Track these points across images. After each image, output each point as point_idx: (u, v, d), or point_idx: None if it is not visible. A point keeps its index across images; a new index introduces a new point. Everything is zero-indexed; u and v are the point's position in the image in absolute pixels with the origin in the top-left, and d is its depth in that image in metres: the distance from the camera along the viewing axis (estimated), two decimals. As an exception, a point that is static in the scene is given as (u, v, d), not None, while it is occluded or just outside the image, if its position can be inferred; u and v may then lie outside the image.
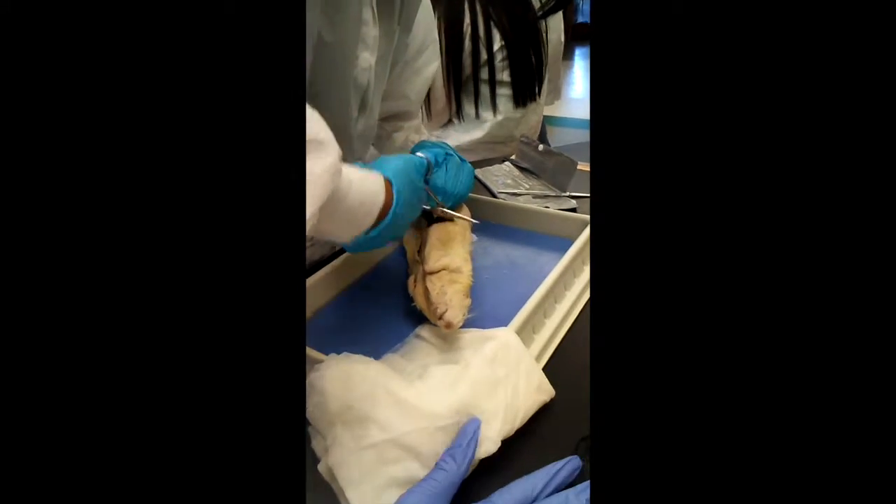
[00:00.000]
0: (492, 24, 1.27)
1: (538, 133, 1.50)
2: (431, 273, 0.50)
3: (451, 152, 0.62)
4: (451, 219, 0.58)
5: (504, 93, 1.35)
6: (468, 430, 0.37)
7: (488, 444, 0.38)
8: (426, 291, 0.49)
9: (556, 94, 1.57)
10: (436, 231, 0.56)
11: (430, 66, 0.80)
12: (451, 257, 0.52)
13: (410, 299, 0.53)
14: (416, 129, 0.84)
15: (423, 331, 0.50)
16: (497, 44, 1.28)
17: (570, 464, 0.35)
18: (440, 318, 0.46)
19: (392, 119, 0.81)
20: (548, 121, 1.61)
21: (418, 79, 0.80)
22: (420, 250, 0.55)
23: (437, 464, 0.35)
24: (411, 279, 0.54)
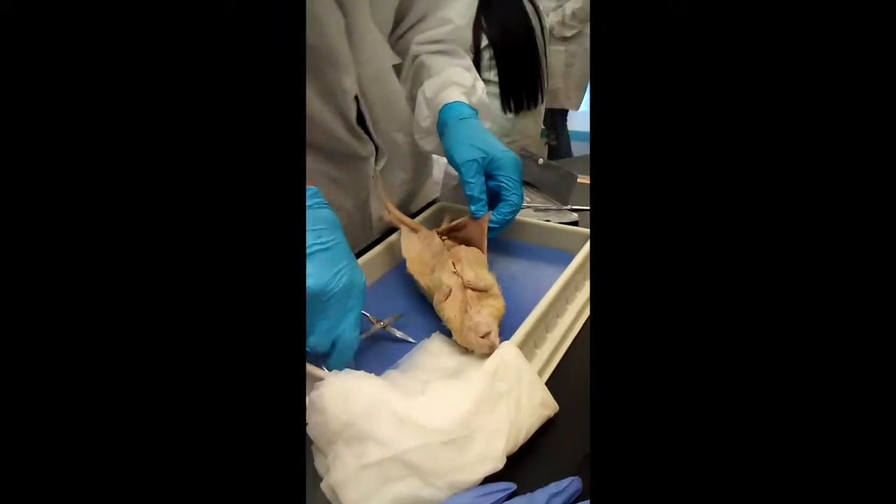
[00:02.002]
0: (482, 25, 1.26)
1: (543, 146, 1.49)
2: (476, 289, 0.51)
3: None
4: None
5: (493, 91, 1.32)
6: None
7: (493, 462, 0.37)
8: (465, 305, 0.49)
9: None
10: (465, 251, 0.57)
11: None
12: (494, 282, 0.53)
13: (412, 314, 0.52)
14: (467, 68, 0.73)
15: (424, 347, 0.50)
16: (484, 41, 1.26)
17: (570, 485, 0.35)
18: (483, 336, 0.45)
19: (437, 51, 0.74)
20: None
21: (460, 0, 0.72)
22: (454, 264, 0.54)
23: None
24: (441, 292, 0.51)
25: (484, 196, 0.60)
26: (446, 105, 0.66)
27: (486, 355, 0.44)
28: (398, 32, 0.74)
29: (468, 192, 0.60)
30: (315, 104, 0.65)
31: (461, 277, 0.52)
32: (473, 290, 0.51)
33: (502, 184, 0.60)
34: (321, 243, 0.45)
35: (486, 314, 0.48)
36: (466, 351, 0.48)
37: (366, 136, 0.71)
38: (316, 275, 0.43)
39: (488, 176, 0.61)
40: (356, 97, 0.67)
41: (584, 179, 0.85)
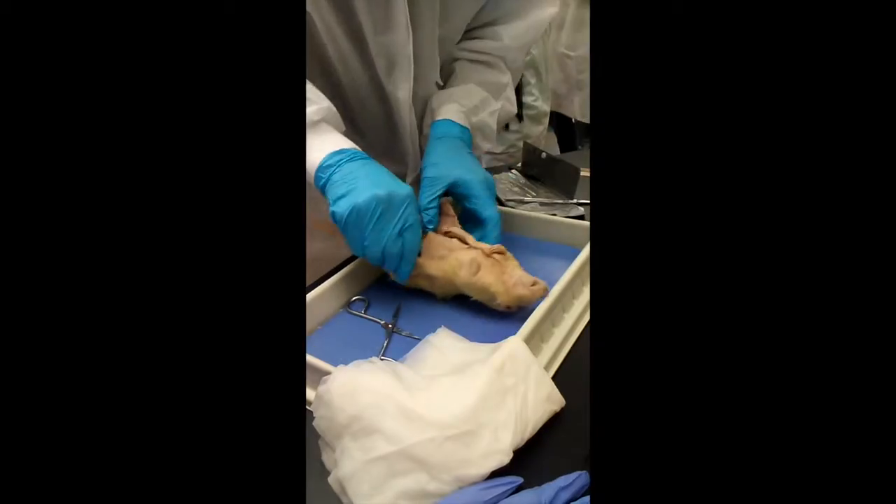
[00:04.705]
0: None
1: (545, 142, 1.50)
2: (501, 253, 0.55)
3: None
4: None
5: None
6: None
7: (500, 456, 0.37)
8: (498, 267, 0.53)
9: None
10: (460, 231, 0.60)
11: (542, 10, 0.70)
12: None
13: (411, 311, 0.53)
14: (496, 85, 0.72)
15: (430, 342, 0.50)
16: None
17: (578, 479, 0.35)
18: (533, 284, 0.51)
19: (476, 61, 0.73)
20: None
21: (520, 22, 0.70)
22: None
23: None
24: (471, 266, 0.54)
25: (431, 210, 0.60)
26: (436, 122, 0.67)
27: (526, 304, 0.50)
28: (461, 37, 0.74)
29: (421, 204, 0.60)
30: (369, 104, 0.67)
31: (480, 248, 0.55)
32: (499, 254, 0.54)
33: (475, 205, 0.60)
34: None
35: (519, 268, 0.53)
36: (472, 345, 0.48)
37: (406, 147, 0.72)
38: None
39: (460, 197, 0.62)
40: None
41: (588, 172, 0.85)
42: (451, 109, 0.67)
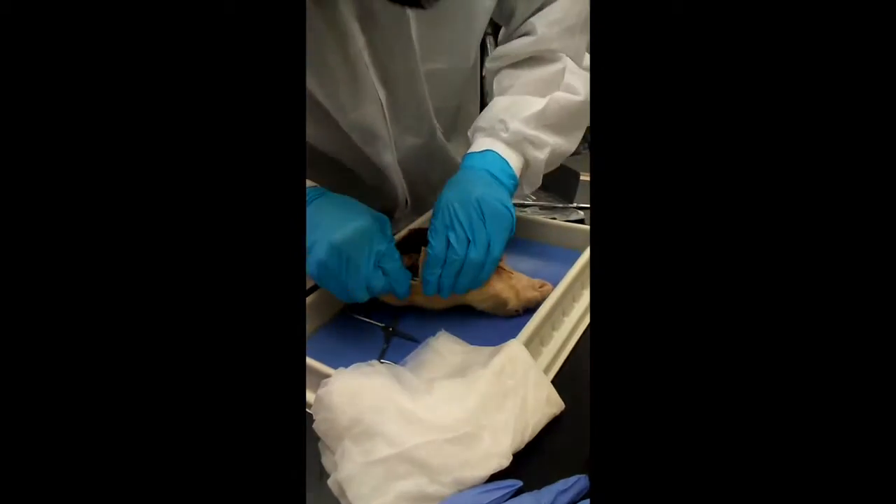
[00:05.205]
0: None
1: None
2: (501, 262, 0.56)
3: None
4: None
5: None
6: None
7: (500, 459, 0.37)
8: (506, 276, 0.55)
9: None
10: None
11: None
12: None
13: (408, 314, 0.54)
14: (543, 80, 0.60)
15: (430, 345, 0.50)
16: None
17: (578, 483, 0.35)
18: (541, 286, 0.54)
19: (511, 64, 0.63)
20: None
21: (555, 4, 0.58)
22: None
23: None
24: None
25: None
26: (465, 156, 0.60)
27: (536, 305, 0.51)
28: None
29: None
30: (352, 161, 0.63)
31: None
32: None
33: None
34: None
35: (520, 274, 0.56)
36: (472, 349, 0.48)
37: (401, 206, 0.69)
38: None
39: None
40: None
41: (588, 176, 0.85)
42: (476, 142, 0.59)
